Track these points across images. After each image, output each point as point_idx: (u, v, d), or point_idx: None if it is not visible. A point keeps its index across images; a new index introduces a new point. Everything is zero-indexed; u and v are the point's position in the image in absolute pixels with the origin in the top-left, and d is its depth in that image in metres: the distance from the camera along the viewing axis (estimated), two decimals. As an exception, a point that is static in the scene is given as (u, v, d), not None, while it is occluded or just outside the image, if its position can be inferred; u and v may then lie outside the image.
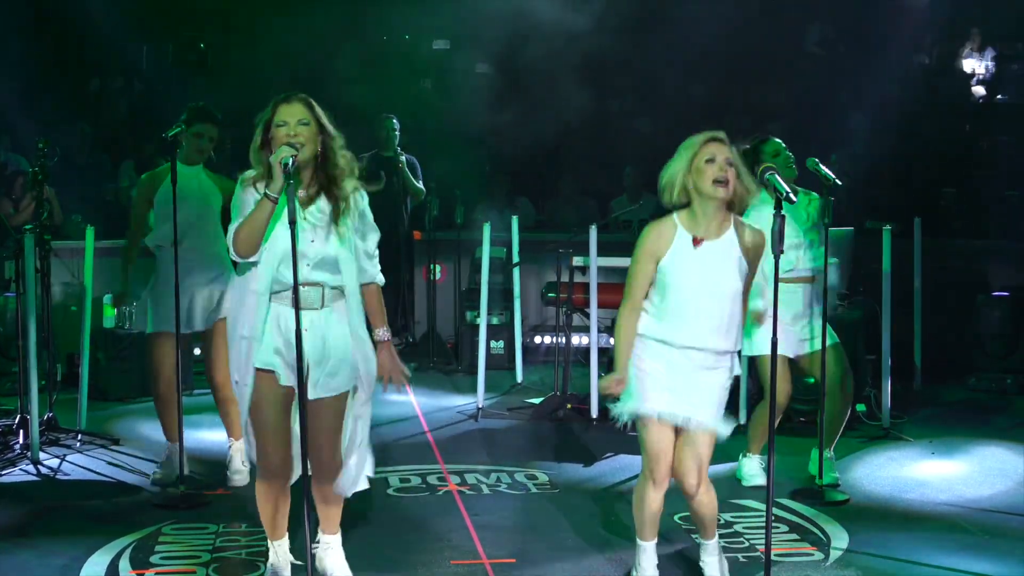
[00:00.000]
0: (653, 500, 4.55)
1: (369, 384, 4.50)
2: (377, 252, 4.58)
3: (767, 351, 4.55)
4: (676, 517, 5.51)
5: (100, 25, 11.89)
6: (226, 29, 13.78)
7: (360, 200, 4.45)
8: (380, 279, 4.58)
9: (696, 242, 4.35)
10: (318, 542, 4.69)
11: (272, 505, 4.54)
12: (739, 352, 4.52)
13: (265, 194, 4.23)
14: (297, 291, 4.15)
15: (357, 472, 4.56)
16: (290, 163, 4.15)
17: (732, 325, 4.39)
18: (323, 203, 4.38)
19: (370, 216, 4.52)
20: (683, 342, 4.37)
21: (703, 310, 4.35)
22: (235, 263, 4.45)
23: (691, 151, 4.37)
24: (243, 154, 6.05)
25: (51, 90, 12.14)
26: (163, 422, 6.27)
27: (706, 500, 4.53)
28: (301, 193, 4.35)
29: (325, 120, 4.38)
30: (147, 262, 6.33)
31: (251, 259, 4.32)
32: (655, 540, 4.65)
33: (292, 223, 4.08)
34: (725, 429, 4.49)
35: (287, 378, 4.34)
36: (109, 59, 13.11)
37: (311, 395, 4.36)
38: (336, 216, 4.36)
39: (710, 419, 4.42)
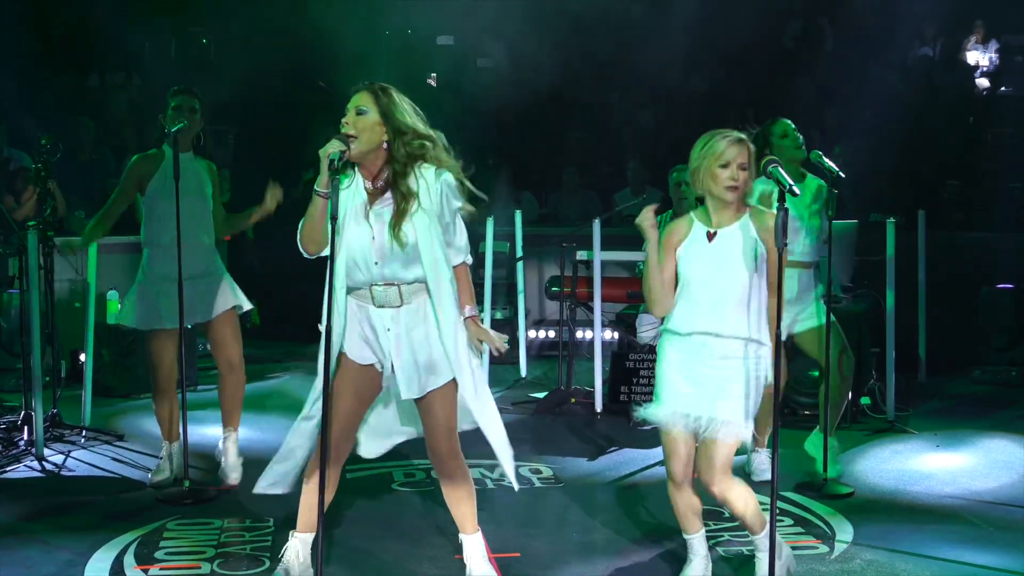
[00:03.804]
0: (678, 499, 4.58)
1: (471, 374, 4.40)
2: (463, 238, 4.42)
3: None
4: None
5: (101, 20, 11.88)
6: (228, 24, 13.77)
7: (440, 192, 4.26)
8: (467, 259, 4.46)
9: (711, 237, 4.43)
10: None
11: (313, 491, 4.44)
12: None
13: (315, 190, 4.15)
14: (331, 284, 4.12)
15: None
16: (337, 158, 4.07)
17: (751, 311, 4.36)
18: (390, 197, 4.26)
19: (456, 205, 4.32)
20: (698, 328, 4.39)
21: (718, 297, 4.37)
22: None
23: (713, 153, 4.38)
24: (246, 148, 6.04)
25: (52, 86, 12.14)
26: (160, 418, 6.21)
27: (729, 498, 4.44)
28: (368, 186, 4.28)
29: (393, 110, 4.20)
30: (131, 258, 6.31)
31: (320, 254, 4.26)
32: (700, 530, 4.64)
33: (333, 219, 4.02)
34: (744, 429, 4.36)
35: (380, 365, 4.34)
36: (110, 54, 13.11)
37: (408, 395, 4.34)
38: (398, 213, 4.22)
39: (729, 414, 4.32)
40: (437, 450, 4.44)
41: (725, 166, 4.37)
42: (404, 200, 4.22)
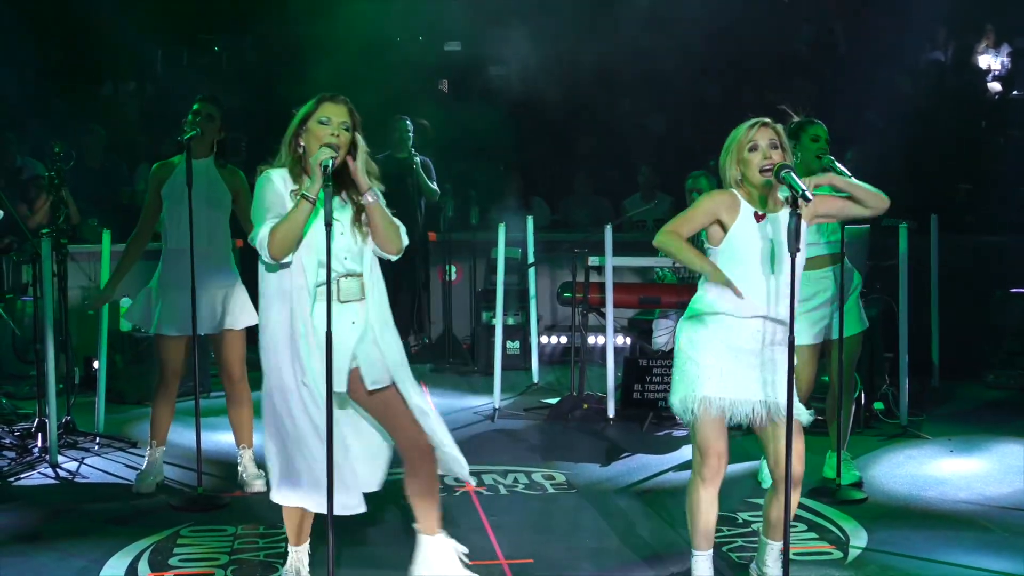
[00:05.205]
0: (703, 501, 4.41)
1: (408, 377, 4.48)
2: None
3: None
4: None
5: (113, 28, 11.92)
6: (240, 32, 13.81)
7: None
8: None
9: (758, 217, 4.36)
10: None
11: (299, 510, 4.51)
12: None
13: (303, 195, 4.22)
14: (329, 290, 4.15)
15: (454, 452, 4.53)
16: (330, 165, 4.16)
17: (788, 294, 4.29)
18: (345, 200, 4.40)
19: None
20: (750, 312, 4.31)
21: (770, 281, 4.31)
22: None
23: (735, 141, 4.39)
24: (259, 156, 6.05)
25: (64, 94, 12.18)
26: (154, 416, 6.19)
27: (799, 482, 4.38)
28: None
29: (359, 128, 4.40)
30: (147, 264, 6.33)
31: (285, 261, 4.28)
32: (710, 551, 4.51)
33: (328, 225, 4.08)
34: (805, 414, 4.47)
35: (338, 383, 4.31)
36: (122, 62, 13.14)
37: (372, 387, 4.38)
38: (357, 215, 4.39)
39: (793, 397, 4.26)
40: (410, 440, 4.46)
41: (754, 149, 4.32)
42: (358, 204, 4.40)
